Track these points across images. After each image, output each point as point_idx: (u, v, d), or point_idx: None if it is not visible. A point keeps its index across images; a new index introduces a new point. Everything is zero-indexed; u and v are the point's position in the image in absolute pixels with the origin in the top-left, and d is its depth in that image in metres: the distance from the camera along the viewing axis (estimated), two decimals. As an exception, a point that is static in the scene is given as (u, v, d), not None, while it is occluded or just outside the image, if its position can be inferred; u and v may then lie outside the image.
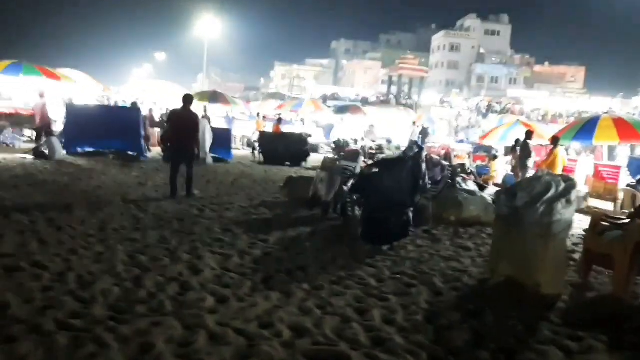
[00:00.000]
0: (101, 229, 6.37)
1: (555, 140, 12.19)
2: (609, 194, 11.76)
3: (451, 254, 6.55)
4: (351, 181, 7.11)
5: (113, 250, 5.47)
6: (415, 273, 5.54)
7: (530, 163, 12.36)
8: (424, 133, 25.12)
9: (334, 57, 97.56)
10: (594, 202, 11.82)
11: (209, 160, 14.69)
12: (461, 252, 6.70)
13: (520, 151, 12.41)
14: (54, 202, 7.71)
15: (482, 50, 74.80)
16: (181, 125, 8.98)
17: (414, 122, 28.14)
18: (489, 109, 42.17)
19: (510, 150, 13.39)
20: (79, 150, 14.46)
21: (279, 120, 20.42)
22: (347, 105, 28.66)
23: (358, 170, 8.12)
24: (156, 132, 18.40)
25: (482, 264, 6.12)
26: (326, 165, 8.64)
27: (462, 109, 39.58)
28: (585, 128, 12.14)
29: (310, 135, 18.09)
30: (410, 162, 6.72)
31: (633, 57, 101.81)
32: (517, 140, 12.87)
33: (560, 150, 11.82)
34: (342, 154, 16.77)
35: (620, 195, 11.40)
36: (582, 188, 12.40)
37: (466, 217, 8.83)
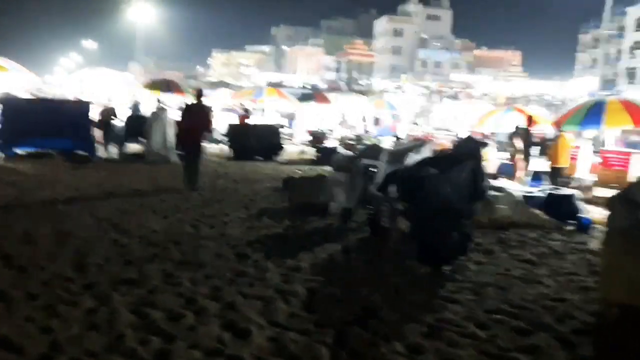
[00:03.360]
0: (80, 267, 4.71)
1: (559, 126, 11.38)
2: (618, 182, 11.03)
3: (524, 273, 5.36)
4: (394, 186, 5.77)
5: (108, 304, 3.88)
6: (512, 309, 4.28)
7: (534, 152, 11.45)
8: (375, 121, 23.92)
9: (275, 44, 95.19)
10: (600, 192, 11.07)
11: (174, 158, 12.73)
12: (532, 269, 5.51)
13: (523, 139, 11.43)
14: (4, 227, 5.92)
15: (424, 35, 74.80)
16: (196, 120, 9.18)
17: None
18: (440, 93, 41.93)
19: (508, 138, 12.40)
20: (19, 151, 12.33)
21: (246, 111, 18.63)
22: (310, 92, 27.14)
23: (382, 170, 6.73)
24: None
25: (569, 285, 4.99)
26: (342, 164, 7.21)
27: (416, 94, 38.91)
28: (592, 112, 11.31)
29: (282, 126, 16.52)
30: (469, 161, 5.45)
31: (565, 41, 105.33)
32: (517, 127, 11.90)
33: (568, 137, 10.97)
34: (318, 145, 15.45)
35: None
36: (586, 176, 11.67)
37: (497, 218, 7.75)
